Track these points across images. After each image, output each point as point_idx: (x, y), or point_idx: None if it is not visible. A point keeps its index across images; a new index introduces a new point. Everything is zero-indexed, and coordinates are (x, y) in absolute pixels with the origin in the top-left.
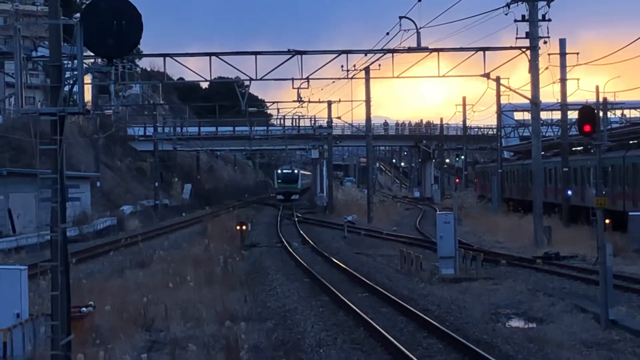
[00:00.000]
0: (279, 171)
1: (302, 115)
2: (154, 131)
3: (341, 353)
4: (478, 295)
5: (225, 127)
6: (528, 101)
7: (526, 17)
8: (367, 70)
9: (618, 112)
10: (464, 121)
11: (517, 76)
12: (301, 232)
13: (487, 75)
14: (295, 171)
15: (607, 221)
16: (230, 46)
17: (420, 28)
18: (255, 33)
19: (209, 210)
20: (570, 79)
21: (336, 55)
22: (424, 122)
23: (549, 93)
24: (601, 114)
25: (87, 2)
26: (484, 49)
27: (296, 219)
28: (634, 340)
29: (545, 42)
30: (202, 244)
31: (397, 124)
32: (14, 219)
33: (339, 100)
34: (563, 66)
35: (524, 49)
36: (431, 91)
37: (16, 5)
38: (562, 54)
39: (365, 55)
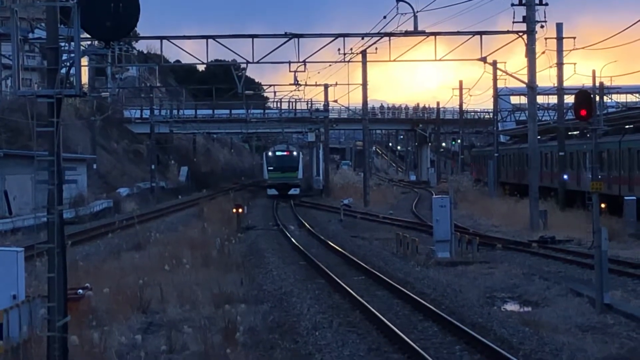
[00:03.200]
0: (270, 153)
1: (299, 99)
2: (151, 113)
3: (337, 335)
4: (474, 278)
5: (221, 110)
6: (524, 85)
7: (523, 1)
8: (363, 53)
9: (614, 97)
10: (461, 105)
11: (514, 60)
12: (297, 215)
13: (483, 59)
14: (295, 153)
15: (602, 205)
16: (227, 29)
17: (417, 12)
18: (252, 16)
19: (205, 193)
20: (567, 63)
21: (333, 38)
22: (421, 105)
23: (546, 77)
24: (597, 98)
25: None
26: (480, 33)
27: (292, 202)
28: (628, 324)
29: (542, 27)
30: (198, 227)
31: (393, 108)
32: (10, 200)
33: (336, 84)
34: (560, 50)
35: (520, 33)
36: (428, 75)
37: None
38: (559, 39)
39: (362, 38)
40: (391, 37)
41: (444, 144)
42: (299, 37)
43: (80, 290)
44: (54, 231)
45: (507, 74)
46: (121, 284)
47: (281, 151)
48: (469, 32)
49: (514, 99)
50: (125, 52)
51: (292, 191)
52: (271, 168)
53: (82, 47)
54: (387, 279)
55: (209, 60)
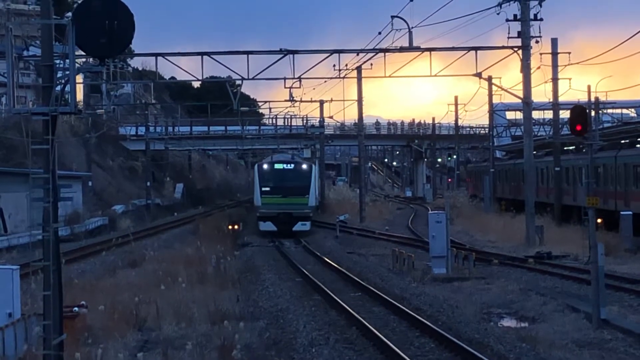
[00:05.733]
0: (265, 165)
1: (294, 115)
2: (146, 130)
3: (333, 352)
4: (470, 294)
5: (217, 127)
6: (520, 100)
7: (518, 17)
8: (359, 69)
9: (610, 112)
10: (456, 120)
11: (509, 76)
12: None
13: (479, 75)
14: (304, 166)
15: (599, 220)
16: (221, 45)
17: (412, 27)
18: (246, 32)
19: (201, 210)
20: (562, 78)
21: (328, 54)
22: (416, 121)
23: (541, 92)
24: (593, 113)
25: (79, 2)
26: (475, 49)
27: None
28: (625, 340)
29: (537, 42)
30: (194, 244)
31: (389, 124)
32: (5, 218)
33: (331, 100)
34: (555, 65)
35: (515, 49)
36: (423, 91)
37: (8, 4)
38: (554, 54)
39: (357, 54)
40: (386, 53)
41: (439, 160)
42: (294, 53)
43: (76, 308)
44: (49, 249)
45: (503, 89)
46: (117, 301)
47: (283, 163)
48: (464, 48)
49: (510, 115)
50: (120, 69)
51: (298, 226)
52: (266, 188)
53: (77, 65)
54: (383, 295)
55: (204, 77)
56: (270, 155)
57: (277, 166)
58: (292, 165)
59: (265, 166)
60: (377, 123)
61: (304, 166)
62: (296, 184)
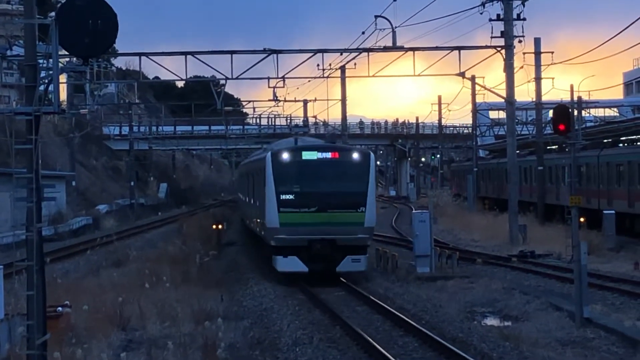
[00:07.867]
0: (286, 155)
1: (278, 114)
2: (130, 130)
3: (317, 352)
4: (454, 293)
5: (201, 126)
6: (503, 100)
7: (501, 17)
8: (342, 69)
9: (593, 111)
10: (440, 120)
11: (492, 75)
12: None
13: (462, 75)
14: (355, 155)
15: (581, 219)
16: (205, 45)
17: (396, 27)
18: (230, 32)
19: (185, 209)
20: (545, 78)
21: (312, 54)
22: (400, 121)
23: (524, 92)
24: (576, 112)
25: (63, 1)
26: (459, 48)
27: None
28: (608, 338)
29: (520, 41)
30: (178, 243)
31: (372, 123)
32: None
33: (315, 99)
34: (538, 65)
35: (499, 48)
36: (407, 90)
37: None
38: (537, 53)
39: (341, 54)
40: (370, 53)
41: (423, 159)
42: (277, 53)
43: (60, 308)
44: (33, 249)
45: (486, 88)
46: (100, 301)
47: (317, 150)
48: (448, 47)
49: (493, 114)
50: (103, 69)
51: (347, 265)
52: (288, 196)
53: (60, 64)
54: (367, 294)
55: (188, 77)
56: (294, 137)
57: (307, 155)
58: (335, 154)
59: (285, 156)
60: (361, 122)
61: (356, 155)
62: (343, 188)
